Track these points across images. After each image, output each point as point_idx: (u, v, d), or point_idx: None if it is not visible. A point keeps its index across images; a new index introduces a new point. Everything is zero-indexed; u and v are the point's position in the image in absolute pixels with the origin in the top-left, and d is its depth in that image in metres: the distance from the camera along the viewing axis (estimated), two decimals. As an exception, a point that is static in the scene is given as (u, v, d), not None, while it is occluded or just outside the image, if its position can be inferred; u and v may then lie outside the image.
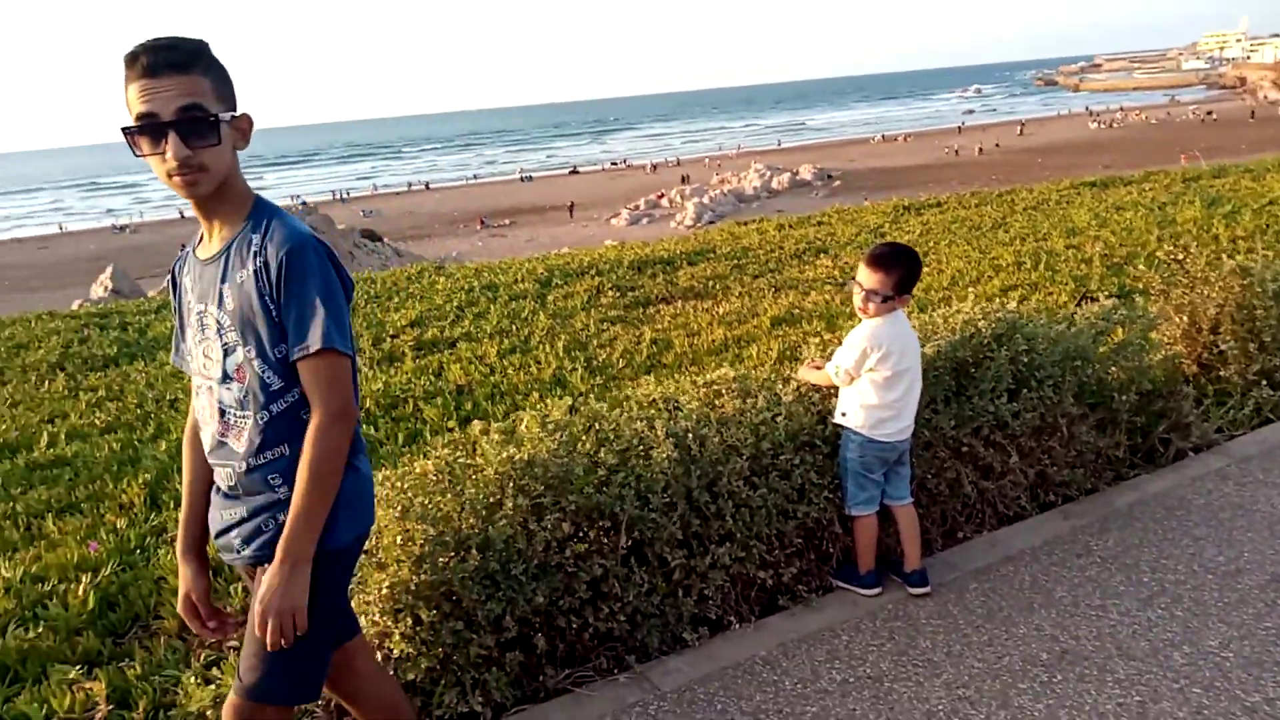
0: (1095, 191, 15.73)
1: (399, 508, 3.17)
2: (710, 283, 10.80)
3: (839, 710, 3.08)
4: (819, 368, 3.87)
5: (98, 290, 27.46)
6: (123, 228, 66.43)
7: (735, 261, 11.92)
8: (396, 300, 11.27)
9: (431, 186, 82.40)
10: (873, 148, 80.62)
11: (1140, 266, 7.70)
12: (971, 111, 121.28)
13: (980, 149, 67.22)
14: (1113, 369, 4.63)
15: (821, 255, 11.87)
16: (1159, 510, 4.26)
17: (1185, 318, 5.46)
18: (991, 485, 4.24)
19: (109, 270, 28.68)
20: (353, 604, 3.20)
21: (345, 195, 79.28)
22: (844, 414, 3.67)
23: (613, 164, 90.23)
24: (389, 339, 9.14)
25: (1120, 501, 4.37)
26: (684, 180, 62.37)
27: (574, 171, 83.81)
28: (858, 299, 3.63)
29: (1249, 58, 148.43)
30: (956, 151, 67.92)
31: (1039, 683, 3.12)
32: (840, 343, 3.79)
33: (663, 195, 55.63)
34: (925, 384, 3.88)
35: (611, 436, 3.60)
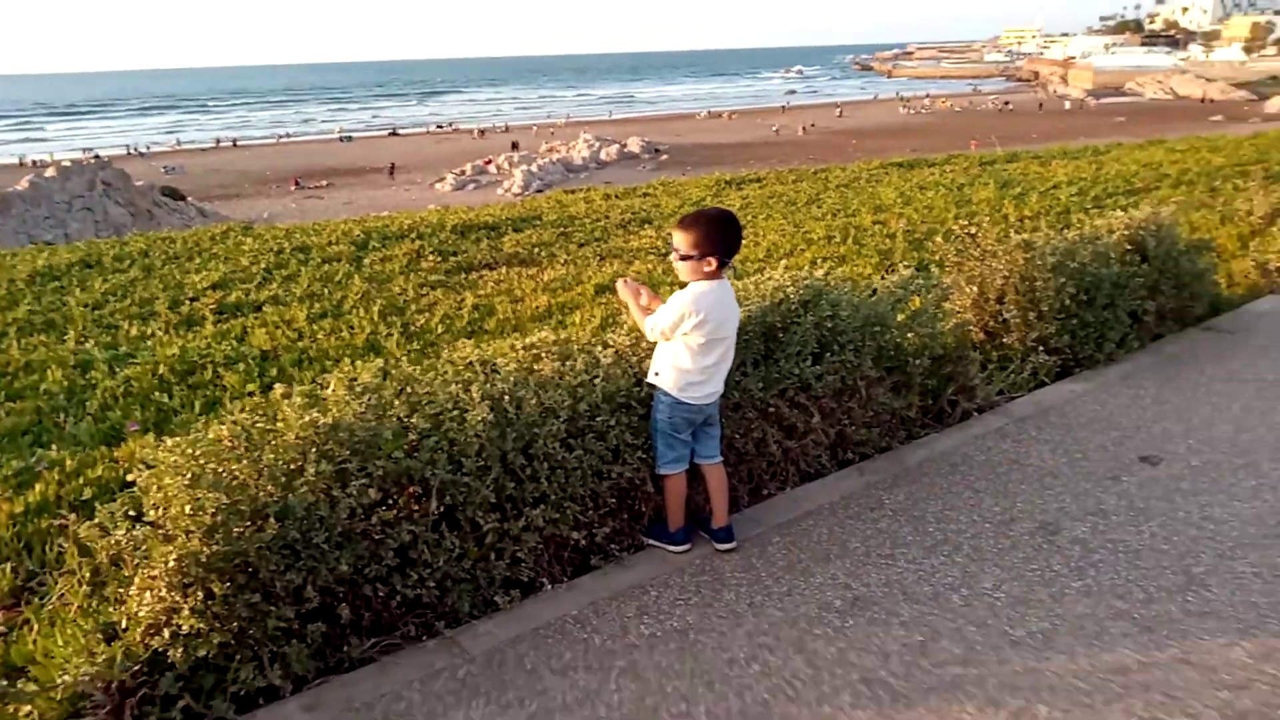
0: (902, 172, 16.62)
1: (188, 475, 2.98)
2: (536, 249, 10.73)
3: (646, 662, 3.15)
4: (647, 310, 3.87)
5: None
6: None
7: (561, 229, 11.89)
8: (198, 261, 10.61)
9: (240, 144, 77.62)
10: (699, 123, 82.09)
11: (939, 241, 8.21)
12: (794, 92, 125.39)
13: (803, 129, 69.65)
14: (909, 335, 4.91)
15: (646, 225, 12.01)
16: (945, 466, 4.57)
17: (975, 288, 5.85)
18: (795, 444, 4.42)
19: None
20: (135, 580, 3.01)
21: (145, 150, 73.60)
22: (656, 373, 3.74)
23: (439, 127, 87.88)
24: (188, 302, 8.60)
25: (911, 459, 4.67)
26: (514, 147, 61.52)
27: (394, 133, 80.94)
28: (673, 261, 3.74)
29: (1042, 53, 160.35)
30: (777, 130, 70.10)
31: (832, 628, 3.29)
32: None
33: (490, 161, 54.71)
34: (736, 347, 3.99)
35: (424, 400, 3.52)
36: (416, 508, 3.35)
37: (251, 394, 5.96)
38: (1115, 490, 4.22)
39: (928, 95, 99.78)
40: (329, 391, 3.47)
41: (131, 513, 3.17)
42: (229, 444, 3.18)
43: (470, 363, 3.90)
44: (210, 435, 3.18)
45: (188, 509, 2.93)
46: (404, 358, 6.53)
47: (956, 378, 5.19)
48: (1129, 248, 6.01)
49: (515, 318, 7.67)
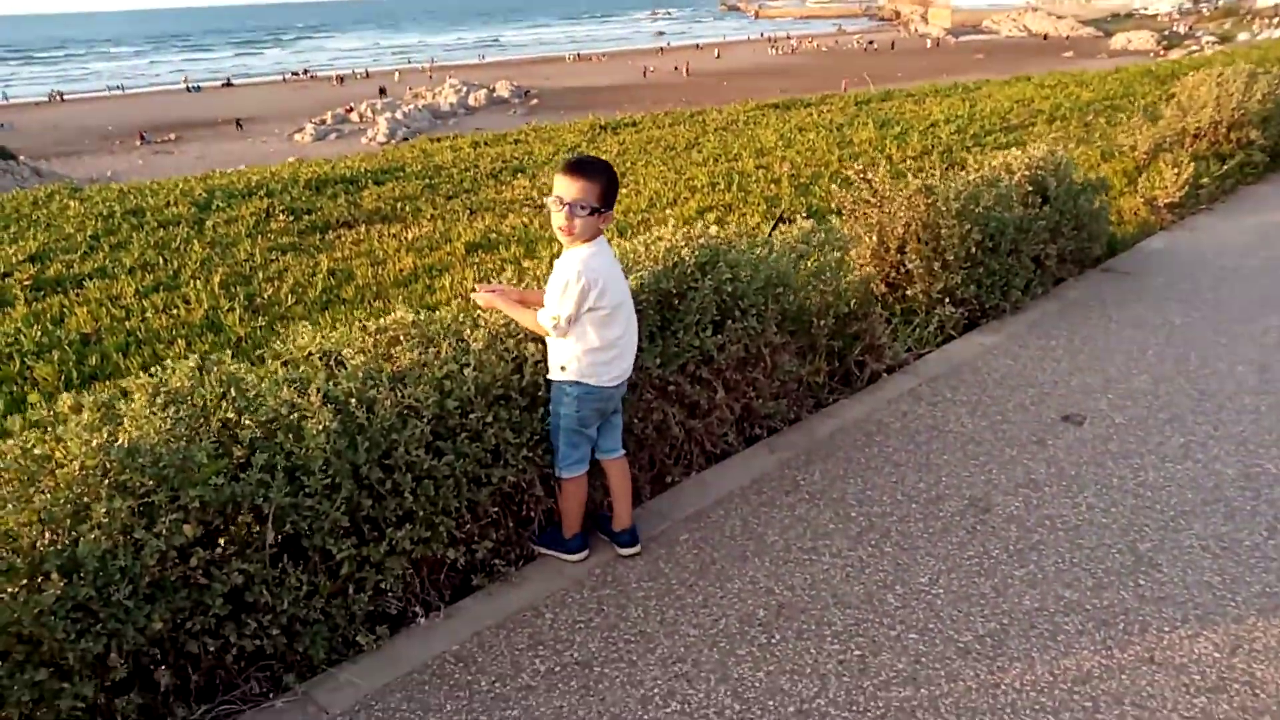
0: (779, 113, 16.28)
1: (-68, 530, 2.28)
2: (399, 204, 9.91)
3: (544, 709, 2.64)
4: (527, 304, 3.28)
5: None
6: None
7: (427, 181, 11.06)
8: (14, 230, 9.38)
9: (68, 97, 71.62)
10: (569, 66, 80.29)
11: (828, 185, 7.84)
12: (663, 34, 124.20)
13: (684, 70, 68.86)
14: (812, 294, 4.48)
15: (519, 175, 11.30)
16: (859, 436, 4.19)
17: (874, 237, 5.47)
18: (699, 424, 3.95)
19: None
20: None
21: (-35, 104, 67.28)
22: (563, 367, 3.16)
23: (294, 74, 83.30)
24: (-2, 278, 7.51)
25: (822, 430, 4.26)
26: (382, 93, 58.74)
27: (228, 84, 76.01)
28: (559, 218, 3.04)
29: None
30: (645, 72, 69.19)
31: (758, 645, 2.85)
32: (544, 278, 3.27)
33: (351, 109, 52.09)
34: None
35: (253, 407, 2.87)
36: (250, 540, 2.73)
37: (69, 388, 5.12)
38: (1043, 456, 3.91)
39: (794, 36, 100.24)
40: (130, 402, 2.78)
41: None
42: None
43: (309, 354, 3.25)
44: (-33, 470, 2.47)
45: (-69, 576, 2.24)
46: (248, 336, 5.77)
47: (862, 337, 4.81)
48: (1030, 189, 5.73)
49: (376, 284, 6.94)
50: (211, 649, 2.66)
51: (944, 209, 5.12)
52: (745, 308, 3.97)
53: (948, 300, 5.24)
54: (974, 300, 5.39)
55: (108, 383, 5.12)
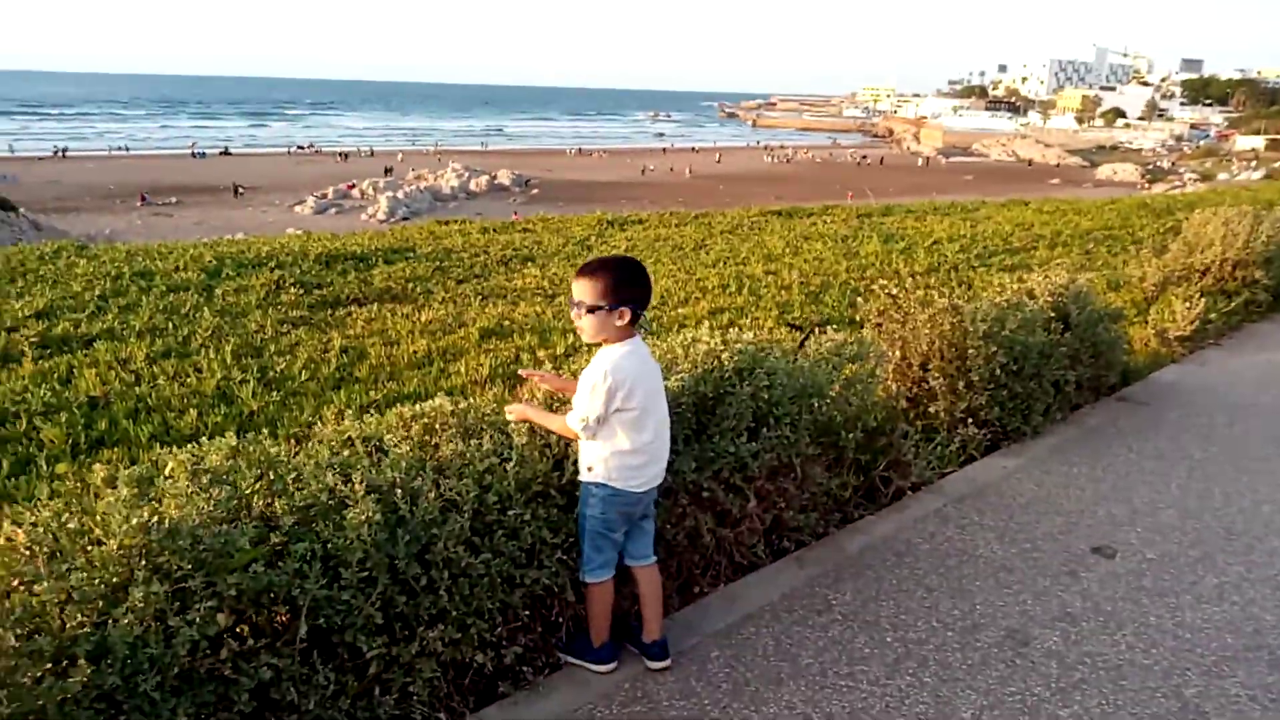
0: (783, 220, 16.54)
1: (-40, 605, 2.17)
2: (410, 285, 9.91)
3: (575, 834, 2.50)
4: (557, 408, 3.25)
5: None
6: None
7: (437, 263, 11.10)
8: (21, 284, 9.29)
9: (73, 154, 72.34)
10: (569, 160, 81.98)
11: (839, 296, 7.90)
12: (662, 135, 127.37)
13: (688, 170, 70.32)
14: (842, 405, 4.45)
15: (529, 264, 11.36)
16: (889, 556, 4.10)
17: (898, 352, 5.48)
18: (729, 533, 3.87)
19: None
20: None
21: (-30, 154, 67.84)
22: (590, 468, 3.10)
23: (300, 148, 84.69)
24: (4, 333, 7.40)
25: (851, 547, 4.18)
26: (387, 172, 59.73)
27: (225, 152, 77.09)
28: (574, 318, 3.10)
29: (896, 111, 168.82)
30: (644, 171, 70.70)
31: (798, 777, 2.73)
32: (575, 375, 3.24)
33: (353, 185, 52.78)
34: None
35: (292, 490, 2.78)
36: (279, 631, 2.62)
37: (82, 455, 5.00)
38: (1077, 589, 3.84)
39: (790, 146, 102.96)
40: (165, 478, 2.69)
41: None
42: (26, 553, 2.38)
43: (349, 439, 3.18)
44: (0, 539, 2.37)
45: (-45, 655, 2.11)
46: (261, 410, 5.67)
47: (888, 452, 4.77)
48: (1052, 315, 5.78)
49: (390, 364, 6.87)
50: (231, 748, 2.52)
51: (970, 329, 5.15)
52: (780, 415, 3.94)
53: (970, 420, 5.22)
54: (996, 422, 5.38)
55: (116, 449, 5.00)
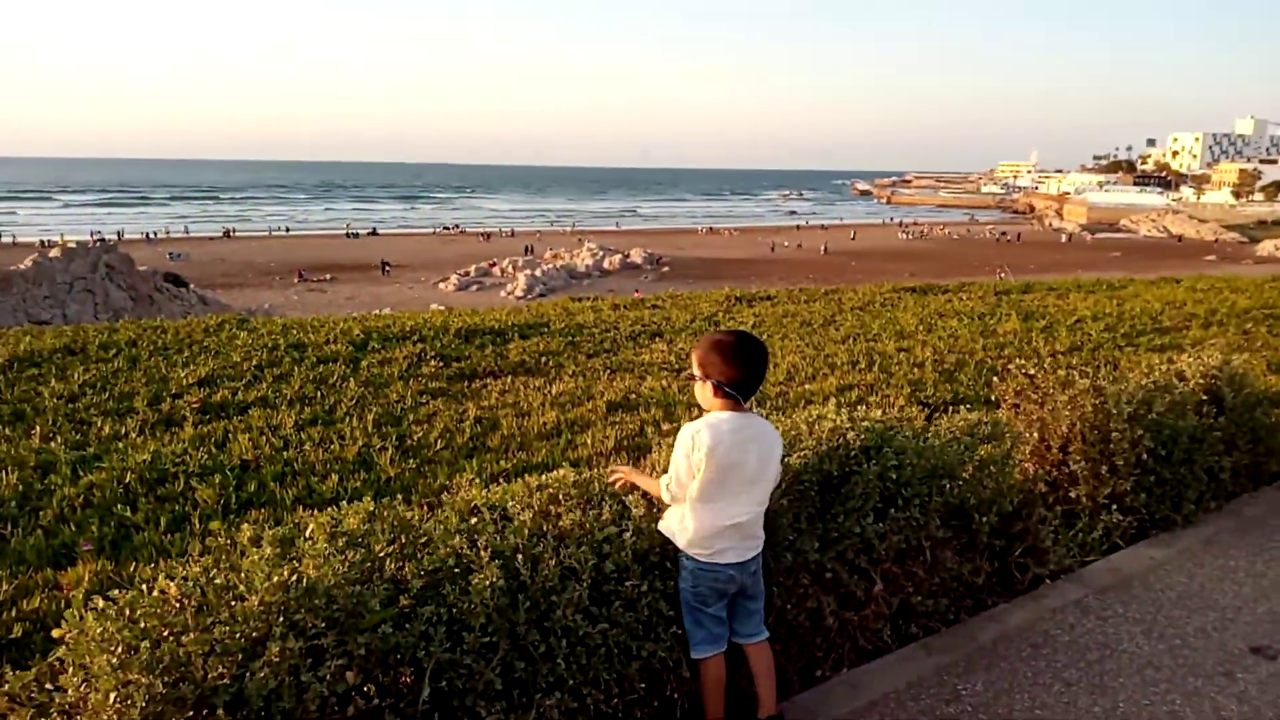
0: (917, 297, 16.26)
1: (118, 649, 2.33)
2: (543, 359, 10.19)
3: None
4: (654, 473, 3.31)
5: None
6: None
7: (569, 338, 11.38)
8: (187, 354, 10.02)
9: (239, 234, 78.11)
10: (700, 238, 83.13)
11: (975, 374, 7.66)
12: (794, 213, 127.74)
13: (823, 248, 70.23)
14: (975, 487, 4.31)
15: (657, 339, 11.50)
16: (1024, 647, 3.90)
17: (1036, 434, 5.28)
18: (853, 615, 3.77)
19: None
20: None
21: (153, 235, 74.10)
22: (673, 533, 3.13)
23: (445, 229, 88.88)
24: (170, 399, 7.98)
25: (983, 636, 4.00)
26: (528, 251, 62.05)
27: (374, 232, 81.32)
28: None
29: (1037, 188, 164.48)
30: (773, 248, 70.91)
31: None
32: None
33: (494, 264, 54.94)
34: (788, 500, 3.40)
35: (421, 555, 2.88)
36: (403, 691, 2.69)
37: (226, 513, 5.31)
38: (1233, 692, 3.55)
39: (923, 223, 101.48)
40: (305, 539, 2.84)
41: (48, 684, 2.51)
42: (175, 605, 2.54)
43: (475, 508, 3.28)
44: (153, 593, 2.54)
45: (112, 696, 2.26)
46: (399, 476, 5.90)
47: (1025, 538, 4.57)
48: (1204, 398, 5.46)
49: (521, 435, 7.05)
50: (352, 806, 2.59)
51: (1114, 412, 4.92)
52: (909, 496, 3.85)
53: (1114, 507, 4.95)
54: (1142, 509, 5.08)
55: (264, 509, 5.28)
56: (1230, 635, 4.02)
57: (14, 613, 4.03)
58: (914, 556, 3.96)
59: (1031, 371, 5.39)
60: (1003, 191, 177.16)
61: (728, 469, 3.01)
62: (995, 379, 5.86)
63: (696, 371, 3.13)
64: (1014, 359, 5.59)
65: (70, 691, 2.35)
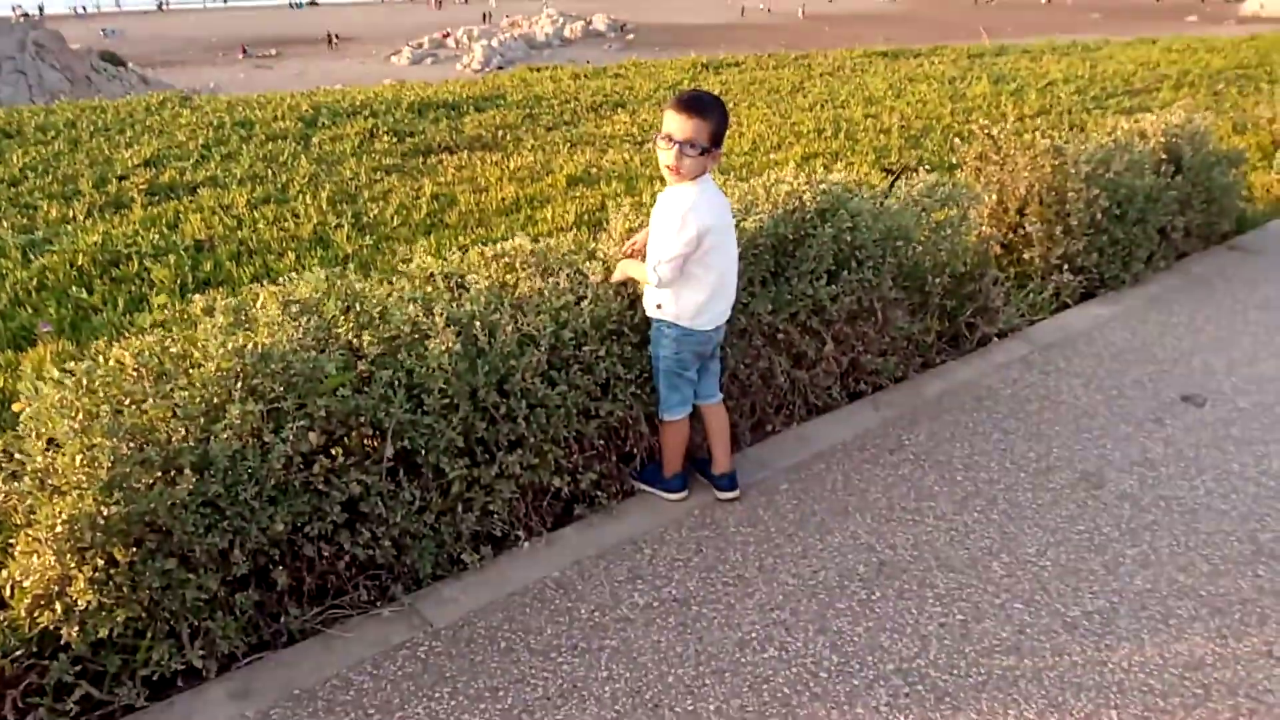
0: (888, 61, 15.77)
1: (79, 415, 2.38)
2: (500, 132, 9.91)
3: (642, 642, 2.67)
4: (635, 253, 3.23)
5: None
6: None
7: (527, 110, 11.03)
8: (130, 135, 9.65)
9: (174, 7, 73.08)
10: (667, 2, 78.91)
11: (941, 139, 7.58)
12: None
13: (801, 11, 67.01)
14: (929, 250, 4.35)
15: (619, 110, 11.18)
16: (968, 400, 4.09)
17: (994, 196, 5.28)
18: (804, 374, 3.90)
19: None
20: (19, 542, 2.44)
21: (82, 10, 69.17)
22: (659, 305, 3.12)
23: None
24: (115, 180, 7.74)
25: (929, 390, 4.17)
26: (485, 19, 58.79)
27: (314, 3, 76.07)
28: (667, 156, 2.92)
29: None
30: (742, 12, 67.65)
31: (858, 600, 2.83)
32: (647, 215, 3.23)
33: (448, 35, 52.17)
34: (744, 263, 3.42)
35: (377, 321, 2.91)
36: (369, 452, 2.79)
37: (184, 292, 5.29)
38: (1160, 435, 3.77)
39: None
40: (259, 308, 2.85)
41: (19, 453, 2.57)
42: (134, 374, 2.57)
43: (432, 275, 3.28)
44: (110, 362, 2.56)
45: (78, 459, 2.33)
46: (356, 254, 5.86)
47: (976, 298, 4.67)
48: (1163, 157, 5.45)
49: (479, 211, 6.96)
50: (326, 554, 2.75)
51: (1072, 172, 4.91)
52: (862, 259, 3.88)
53: (1066, 267, 5.04)
54: (1093, 269, 5.19)
55: (221, 289, 5.26)
56: (1164, 385, 4.22)
57: (-22, 394, 4.07)
58: (865, 317, 4.05)
59: (994, 133, 5.32)
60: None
61: (718, 239, 2.99)
62: (958, 142, 5.78)
63: (710, 143, 2.90)
64: (992, 123, 5.48)
65: (39, 458, 2.42)
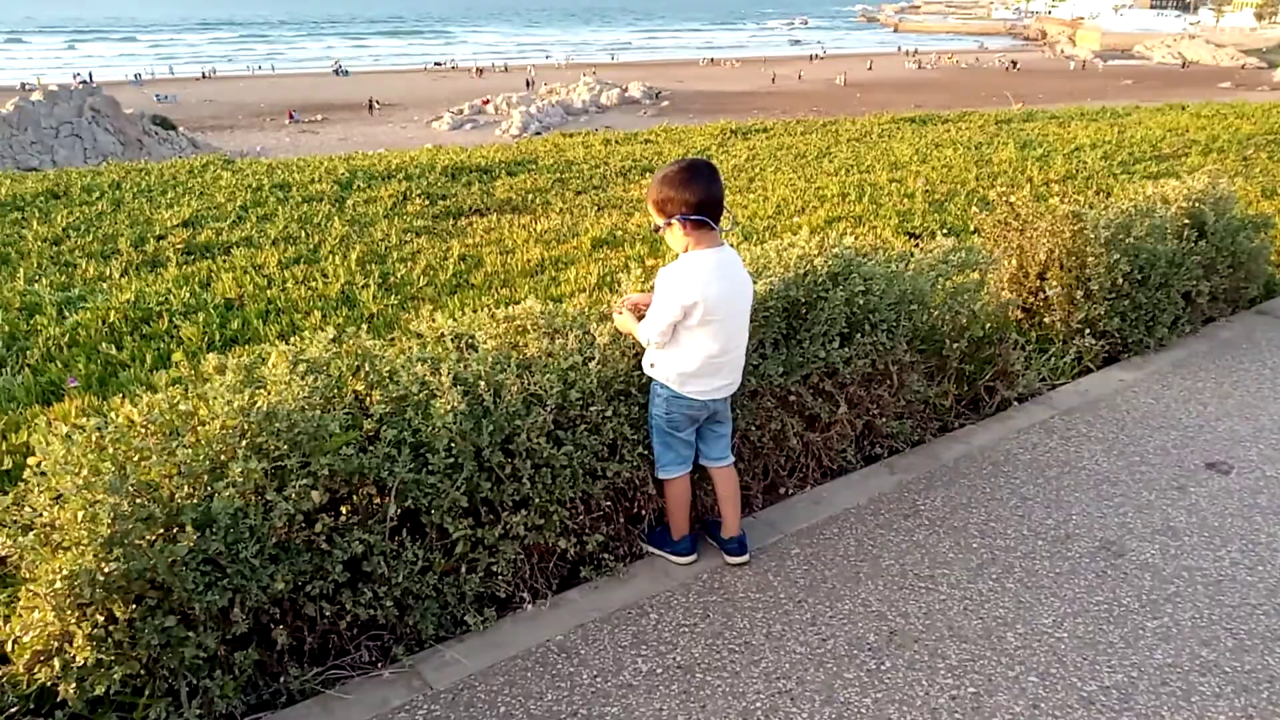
0: (915, 127, 15.88)
1: (82, 471, 2.40)
2: (530, 196, 10.06)
3: (644, 710, 2.62)
4: (635, 310, 3.26)
5: None
6: None
7: (558, 175, 11.20)
8: (171, 196, 9.91)
9: (220, 74, 75.60)
10: (700, 70, 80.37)
11: (965, 205, 7.58)
12: (799, 42, 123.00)
13: (842, 78, 67.84)
14: (946, 314, 4.33)
15: (647, 175, 11.31)
16: (986, 465, 4.02)
17: (1014, 261, 5.26)
18: (817, 437, 3.87)
19: None
20: (21, 597, 2.45)
21: (140, 77, 71.79)
22: (652, 364, 3.14)
23: (437, 64, 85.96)
24: (153, 240, 7.94)
25: (947, 455, 4.11)
26: (528, 85, 60.21)
27: (338, 71, 78.01)
28: None
29: (1050, 12, 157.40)
30: (774, 79, 68.61)
31: (866, 670, 2.76)
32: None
33: (487, 101, 53.42)
34: (754, 325, 3.42)
35: (386, 380, 2.94)
36: (372, 512, 2.80)
37: (210, 350, 5.37)
38: (1184, 504, 3.68)
39: (935, 52, 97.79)
40: (269, 367, 2.88)
41: (27, 508, 2.61)
42: (141, 431, 2.61)
43: (442, 336, 3.31)
44: (119, 419, 2.60)
45: (79, 515, 2.36)
46: (380, 313, 5.93)
47: (995, 362, 4.63)
48: (1186, 222, 5.41)
49: (505, 271, 7.04)
50: (327, 614, 2.74)
51: (1092, 236, 4.88)
52: (876, 322, 3.87)
53: (1088, 331, 4.99)
54: (1116, 334, 5.13)
55: (247, 346, 5.34)
56: (1189, 452, 4.13)
57: (3, 446, 4.15)
58: (880, 380, 4.02)
59: (1013, 199, 5.32)
60: (1014, 17, 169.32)
61: (711, 312, 2.98)
62: (976, 209, 5.78)
63: (658, 219, 3.01)
64: (1010, 189, 5.49)
65: (44, 513, 2.45)
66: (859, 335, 3.84)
